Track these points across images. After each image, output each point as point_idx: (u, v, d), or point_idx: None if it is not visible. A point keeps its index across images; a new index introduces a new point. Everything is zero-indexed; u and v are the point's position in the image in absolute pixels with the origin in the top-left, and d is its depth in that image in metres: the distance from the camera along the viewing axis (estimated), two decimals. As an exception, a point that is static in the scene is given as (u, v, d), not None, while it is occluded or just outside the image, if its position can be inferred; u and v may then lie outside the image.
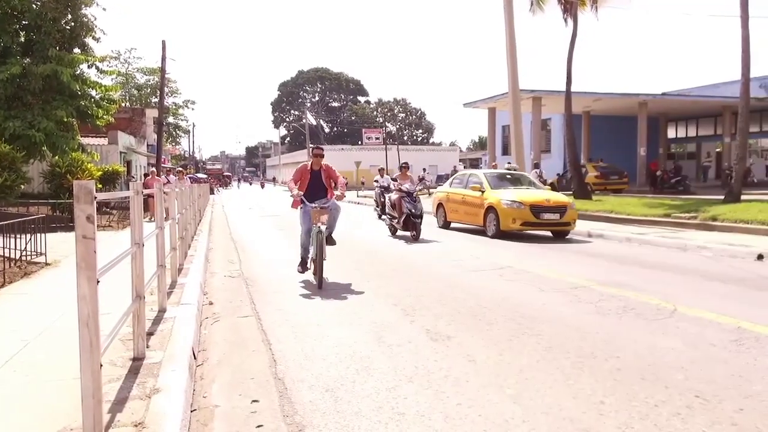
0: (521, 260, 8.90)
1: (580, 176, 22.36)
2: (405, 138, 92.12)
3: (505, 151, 38.35)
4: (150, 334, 4.43)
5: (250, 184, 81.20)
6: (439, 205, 14.90)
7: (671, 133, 36.84)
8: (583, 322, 5.10)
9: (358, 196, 35.81)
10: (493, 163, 22.24)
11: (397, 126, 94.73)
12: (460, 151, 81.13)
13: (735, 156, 18.26)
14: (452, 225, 14.37)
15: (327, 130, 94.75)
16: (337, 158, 60.57)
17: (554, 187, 29.04)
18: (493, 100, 30.26)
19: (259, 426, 3.12)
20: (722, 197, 16.69)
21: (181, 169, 22.82)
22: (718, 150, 33.69)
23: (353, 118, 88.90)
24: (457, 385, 3.62)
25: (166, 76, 31.80)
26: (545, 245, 11.01)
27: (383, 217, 15.09)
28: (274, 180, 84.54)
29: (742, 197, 16.33)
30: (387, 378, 3.77)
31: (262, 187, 63.49)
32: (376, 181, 18.38)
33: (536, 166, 21.28)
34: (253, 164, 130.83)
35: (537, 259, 9.10)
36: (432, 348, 4.42)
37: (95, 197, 2.55)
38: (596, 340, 4.56)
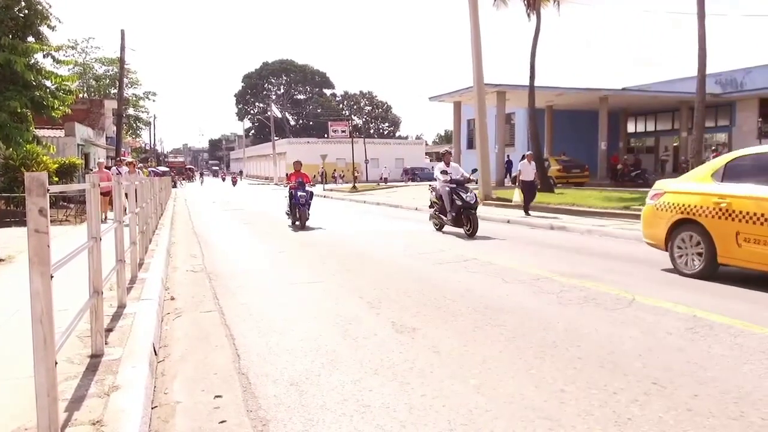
0: (486, 252, 9.00)
1: (543, 170, 22.72)
2: (371, 131, 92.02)
3: (471, 144, 38.72)
4: (109, 330, 4.32)
5: (223, 179, 62.62)
6: (683, 224, 6.96)
7: (631, 128, 37.75)
8: (545, 313, 5.19)
9: (324, 190, 35.65)
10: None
11: (364, 119, 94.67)
12: (426, 144, 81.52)
13: (691, 150, 18.80)
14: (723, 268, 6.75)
15: (292, 122, 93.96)
16: (303, 151, 60.04)
17: (517, 180, 29.62)
18: (458, 93, 30.43)
19: (222, 422, 3.08)
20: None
21: (131, 160, 19.38)
22: (675, 144, 34.72)
23: (319, 110, 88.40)
24: (421, 377, 3.64)
25: (126, 66, 30.98)
26: (508, 238, 11.17)
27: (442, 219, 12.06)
28: (240, 174, 76.76)
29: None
30: (352, 371, 3.77)
31: (234, 184, 49.18)
32: (444, 172, 11.87)
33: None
34: (217, 157, 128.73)
35: (501, 251, 9.21)
36: (397, 340, 4.44)
37: (48, 189, 2.46)
38: (558, 329, 4.64)
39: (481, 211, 17.17)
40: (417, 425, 2.95)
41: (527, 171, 15.55)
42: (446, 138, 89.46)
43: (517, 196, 15.90)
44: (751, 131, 29.17)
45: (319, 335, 4.61)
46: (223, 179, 62.68)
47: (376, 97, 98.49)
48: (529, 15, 22.82)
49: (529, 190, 15.35)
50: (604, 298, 5.70)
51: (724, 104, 31.69)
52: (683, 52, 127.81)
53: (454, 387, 3.47)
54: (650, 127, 37.53)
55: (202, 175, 68.03)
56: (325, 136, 66.06)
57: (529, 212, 15.10)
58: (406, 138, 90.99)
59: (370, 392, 3.40)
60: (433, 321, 4.98)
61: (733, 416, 3.00)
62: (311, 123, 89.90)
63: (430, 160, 72.02)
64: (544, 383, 3.50)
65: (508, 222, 14.16)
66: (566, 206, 15.96)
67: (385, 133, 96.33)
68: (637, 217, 13.15)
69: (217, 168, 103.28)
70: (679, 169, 28.36)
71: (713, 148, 30.22)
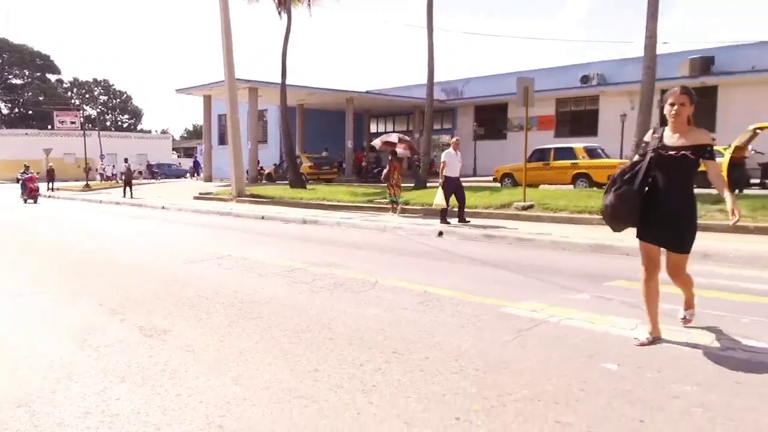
0: (241, 248, 8.96)
1: (295, 166, 23.35)
2: (108, 123, 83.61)
3: (222, 140, 37.82)
4: None
5: None
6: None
7: (374, 128, 40.97)
8: (299, 301, 5.41)
9: (48, 189, 31.10)
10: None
11: (98, 110, 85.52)
12: (173, 139, 77.08)
13: (423, 149, 21.25)
14: None
15: (5, 111, 79.99)
16: (20, 145, 51.09)
17: (271, 177, 29.97)
18: (209, 87, 29.48)
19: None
20: (413, 185, 19.34)
21: None
22: (410, 144, 38.74)
23: (41, 98, 76.77)
24: (175, 377, 3.52)
25: None
26: (264, 234, 11.28)
27: None
28: None
29: (428, 185, 19.22)
30: (95, 381, 3.46)
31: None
32: None
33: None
34: None
35: (256, 247, 9.26)
36: (147, 344, 4.19)
37: None
38: (311, 315, 4.89)
39: (236, 208, 16.98)
40: (173, 425, 2.86)
41: (454, 164, 11.50)
42: (195, 133, 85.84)
43: (439, 197, 11.49)
44: (469, 134, 34.04)
45: (51, 349, 4.10)
46: None
47: (113, 86, 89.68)
48: (280, 13, 23.15)
49: (457, 188, 11.54)
50: (351, 283, 6.16)
51: (447, 109, 36.45)
52: (418, 60, 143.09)
53: (210, 382, 3.43)
54: (390, 128, 41.20)
55: None
56: (50, 127, 57.84)
57: (466, 218, 11.52)
58: (150, 132, 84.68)
59: (118, 401, 3.16)
60: (187, 321, 4.82)
61: (454, 371, 3.55)
62: (31, 112, 77.68)
63: (178, 156, 68.28)
64: (299, 366, 3.68)
65: (263, 218, 14.26)
66: (318, 201, 16.70)
67: (125, 125, 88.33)
68: (380, 209, 14.42)
69: None
70: (412, 167, 31.78)
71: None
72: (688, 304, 4.36)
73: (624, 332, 4.27)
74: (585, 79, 31.02)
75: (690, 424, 2.81)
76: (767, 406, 2.99)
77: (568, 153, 19.24)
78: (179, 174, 49.96)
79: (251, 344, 4.15)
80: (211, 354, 3.96)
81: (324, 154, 31.79)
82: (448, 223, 11.21)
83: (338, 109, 34.36)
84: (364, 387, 3.31)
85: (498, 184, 20.02)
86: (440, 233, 10.38)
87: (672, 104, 3.84)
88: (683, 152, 3.79)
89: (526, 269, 6.98)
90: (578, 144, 20.22)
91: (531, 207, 12.29)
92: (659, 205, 3.89)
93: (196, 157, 51.22)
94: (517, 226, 10.72)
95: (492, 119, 34.27)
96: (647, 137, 4.06)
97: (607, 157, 19.24)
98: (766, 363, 3.61)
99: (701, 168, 3.88)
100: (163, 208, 18.32)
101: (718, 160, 14.07)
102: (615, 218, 4.06)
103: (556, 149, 19.83)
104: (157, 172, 49.09)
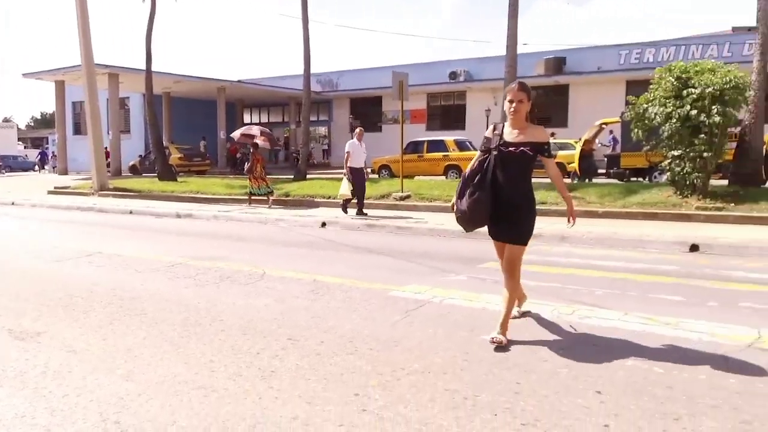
0: (111, 244, 8.45)
1: (164, 158, 22.19)
2: (-63, 109, 73.52)
3: (78, 129, 34.91)
4: None
5: None
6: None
7: (247, 119, 39.90)
8: (185, 295, 5.28)
9: None
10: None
11: (-76, 93, 74.92)
12: (19, 129, 69.53)
13: (300, 141, 21.16)
14: None
15: None
16: None
17: (136, 169, 28.18)
18: (62, 72, 26.98)
19: None
20: (292, 176, 19.24)
21: None
22: (286, 135, 38.34)
23: None
24: (59, 378, 3.34)
25: None
26: (136, 229, 10.70)
27: None
28: None
29: (308, 176, 19.22)
30: (-36, 390, 3.18)
31: None
32: None
33: None
34: None
35: (128, 242, 8.78)
36: (20, 347, 3.90)
37: None
38: (199, 308, 4.81)
39: (100, 202, 15.84)
40: (64, 426, 2.74)
41: (358, 154, 11.38)
42: (44, 122, 78.25)
43: (344, 188, 11.42)
44: (345, 125, 34.37)
45: None
46: None
47: (-59, 66, 78.73)
48: (141, -5, 21.71)
49: (361, 180, 11.48)
50: (238, 276, 6.10)
51: (323, 101, 36.48)
52: (291, 51, 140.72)
53: (99, 380, 3.30)
54: (264, 119, 40.45)
55: None
56: None
57: (365, 211, 11.44)
58: (-10, 120, 75.56)
59: (-4, 407, 2.96)
60: (62, 321, 4.53)
61: (350, 352, 3.72)
62: None
63: (25, 147, 61.78)
64: (193, 358, 3.64)
65: (131, 213, 13.45)
66: (191, 194, 16.06)
67: (-41, 112, 78.07)
68: (258, 201, 14.21)
69: None
70: (290, 159, 31.52)
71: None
72: (505, 323, 3.91)
73: (498, 308, 4.67)
74: (453, 75, 32.59)
75: (558, 382, 3.22)
76: (619, 363, 3.50)
77: (440, 146, 20.22)
78: (27, 167, 45.13)
79: (138, 340, 4.02)
80: (96, 353, 3.79)
81: (202, 143, 30.52)
82: (365, 214, 11.29)
83: (209, 98, 33.06)
84: (263, 373, 3.37)
85: (376, 176, 20.51)
86: (323, 224, 10.50)
87: (511, 101, 3.92)
88: (522, 149, 3.89)
89: (408, 255, 7.35)
90: (449, 137, 21.30)
91: (408, 197, 12.82)
92: (501, 201, 3.90)
93: (44, 148, 46.70)
94: (396, 215, 11.15)
95: (367, 112, 34.87)
96: (488, 133, 4.11)
97: (475, 149, 20.46)
98: (617, 327, 4.18)
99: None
100: (13, 203, 16.57)
101: (570, 152, 16.00)
102: (471, 222, 4.09)
103: (429, 142, 20.74)
104: (0, 165, 43.96)
